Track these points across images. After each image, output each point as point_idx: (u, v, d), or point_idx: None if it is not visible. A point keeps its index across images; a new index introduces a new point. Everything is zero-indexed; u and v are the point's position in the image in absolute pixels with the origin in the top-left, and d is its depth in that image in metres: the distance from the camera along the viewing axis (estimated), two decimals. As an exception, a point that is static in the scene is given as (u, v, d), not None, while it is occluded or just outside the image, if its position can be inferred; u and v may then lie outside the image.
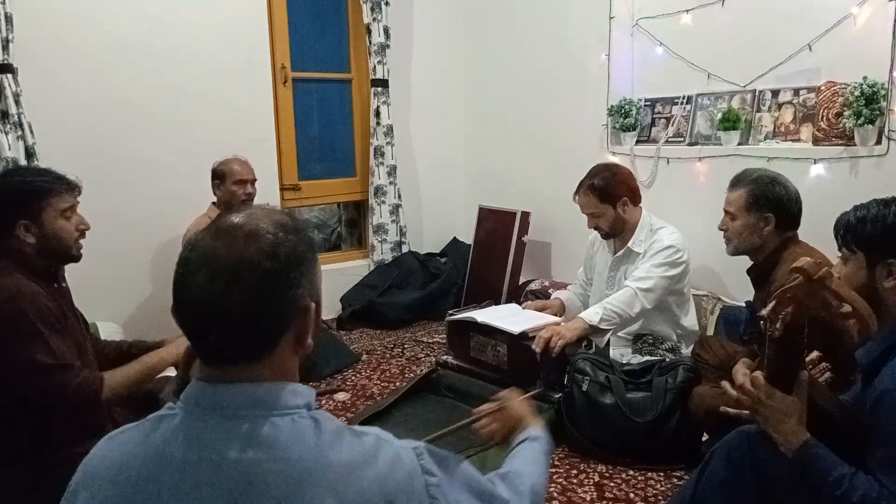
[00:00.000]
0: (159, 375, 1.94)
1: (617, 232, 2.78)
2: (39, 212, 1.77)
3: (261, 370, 0.85)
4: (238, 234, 0.84)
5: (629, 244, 2.77)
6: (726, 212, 2.29)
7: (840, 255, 1.52)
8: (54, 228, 1.79)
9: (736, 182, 2.28)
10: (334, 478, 0.81)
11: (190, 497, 0.80)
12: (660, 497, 2.10)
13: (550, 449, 1.26)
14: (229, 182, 3.09)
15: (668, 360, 2.53)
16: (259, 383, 0.85)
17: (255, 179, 3.17)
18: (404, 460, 0.88)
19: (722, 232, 2.32)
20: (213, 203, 3.16)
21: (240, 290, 0.81)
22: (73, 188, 1.85)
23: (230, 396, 0.84)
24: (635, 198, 2.78)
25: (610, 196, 2.72)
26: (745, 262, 2.96)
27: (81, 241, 1.88)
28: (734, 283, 3.08)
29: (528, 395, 1.42)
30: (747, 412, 1.46)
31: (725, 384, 1.55)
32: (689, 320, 2.82)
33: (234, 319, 0.82)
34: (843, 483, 1.28)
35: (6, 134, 2.86)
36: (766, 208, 2.17)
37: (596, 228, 2.81)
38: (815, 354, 1.67)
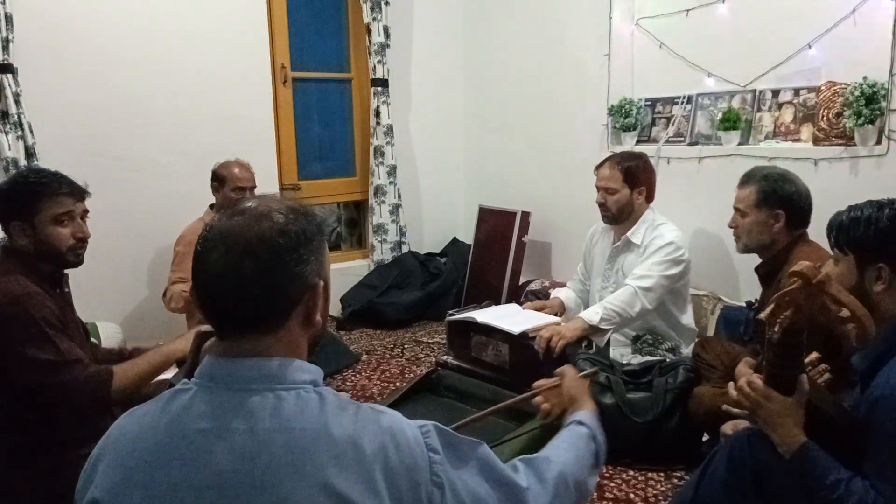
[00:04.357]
0: (158, 378, 1.93)
1: (621, 218, 2.78)
2: (31, 214, 1.74)
3: (271, 345, 0.90)
4: (252, 215, 0.91)
5: (628, 234, 2.77)
6: (736, 209, 2.28)
7: (832, 255, 1.52)
8: (46, 233, 1.75)
9: (746, 179, 2.28)
10: (336, 447, 0.84)
11: (199, 464, 0.84)
12: (660, 497, 2.10)
13: (594, 435, 1.22)
14: (228, 188, 3.03)
15: (668, 360, 2.53)
16: (268, 359, 0.90)
17: (254, 187, 3.08)
18: (409, 435, 0.89)
19: (726, 231, 2.32)
20: (211, 206, 3.12)
21: (252, 262, 0.87)
22: (74, 193, 1.80)
23: (240, 371, 0.89)
24: (651, 194, 2.80)
25: (633, 179, 2.73)
26: (746, 262, 2.97)
27: (80, 250, 1.83)
28: (734, 283, 3.08)
29: (584, 373, 1.39)
30: (747, 413, 1.46)
31: (731, 386, 1.54)
32: (687, 319, 2.82)
33: (246, 289, 0.88)
34: (839, 487, 1.28)
35: (6, 134, 2.86)
36: (777, 205, 2.17)
37: (603, 206, 2.79)
38: (814, 356, 1.67)
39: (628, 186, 2.73)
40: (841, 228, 1.48)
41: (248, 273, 0.87)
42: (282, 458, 0.83)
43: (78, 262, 1.84)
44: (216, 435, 0.85)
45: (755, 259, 2.43)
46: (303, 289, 0.91)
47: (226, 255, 0.88)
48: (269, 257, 0.88)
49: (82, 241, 1.83)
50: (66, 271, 1.90)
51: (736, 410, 1.52)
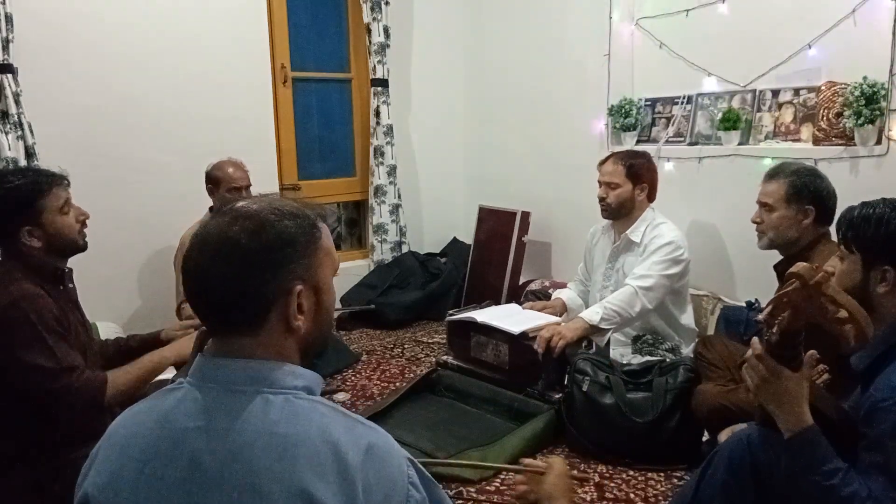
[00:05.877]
0: (158, 378, 1.94)
1: (621, 213, 2.78)
2: (39, 214, 1.77)
3: (254, 347, 0.91)
4: (229, 217, 0.92)
5: (627, 232, 2.77)
6: (762, 204, 2.27)
7: (839, 251, 1.51)
8: (56, 226, 1.79)
9: (774, 173, 2.27)
10: (318, 456, 0.84)
11: (184, 462, 0.85)
12: (660, 497, 2.09)
13: None
14: (224, 189, 3.01)
15: (668, 360, 2.53)
16: (258, 361, 0.90)
17: (249, 185, 3.05)
18: (394, 462, 0.89)
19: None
20: (210, 209, 3.11)
21: (221, 265, 0.89)
22: (61, 181, 1.84)
23: (229, 371, 0.90)
24: (653, 193, 2.81)
25: (636, 175, 2.74)
26: (745, 262, 2.98)
27: (85, 231, 1.89)
28: (734, 283, 3.08)
29: (574, 475, 1.40)
30: (747, 420, 1.45)
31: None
32: (687, 319, 2.82)
33: (216, 291, 0.89)
34: (837, 475, 1.27)
35: (6, 134, 2.86)
36: (807, 200, 2.16)
37: (603, 201, 2.80)
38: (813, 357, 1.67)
39: (630, 182, 2.75)
40: (851, 226, 1.47)
41: (216, 275, 0.89)
42: (262, 460, 0.83)
43: (85, 244, 1.90)
44: (201, 434, 0.86)
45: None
46: (276, 293, 0.91)
47: (198, 256, 0.90)
48: (236, 261, 0.89)
49: (84, 223, 1.89)
50: (69, 268, 1.91)
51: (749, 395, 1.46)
